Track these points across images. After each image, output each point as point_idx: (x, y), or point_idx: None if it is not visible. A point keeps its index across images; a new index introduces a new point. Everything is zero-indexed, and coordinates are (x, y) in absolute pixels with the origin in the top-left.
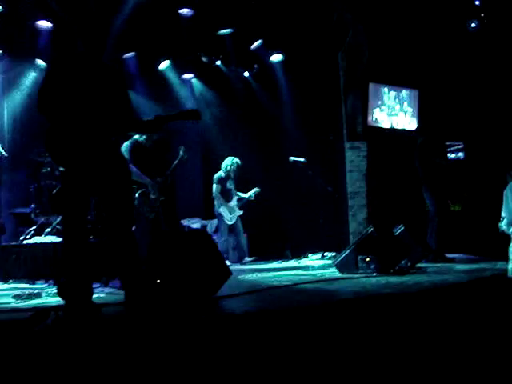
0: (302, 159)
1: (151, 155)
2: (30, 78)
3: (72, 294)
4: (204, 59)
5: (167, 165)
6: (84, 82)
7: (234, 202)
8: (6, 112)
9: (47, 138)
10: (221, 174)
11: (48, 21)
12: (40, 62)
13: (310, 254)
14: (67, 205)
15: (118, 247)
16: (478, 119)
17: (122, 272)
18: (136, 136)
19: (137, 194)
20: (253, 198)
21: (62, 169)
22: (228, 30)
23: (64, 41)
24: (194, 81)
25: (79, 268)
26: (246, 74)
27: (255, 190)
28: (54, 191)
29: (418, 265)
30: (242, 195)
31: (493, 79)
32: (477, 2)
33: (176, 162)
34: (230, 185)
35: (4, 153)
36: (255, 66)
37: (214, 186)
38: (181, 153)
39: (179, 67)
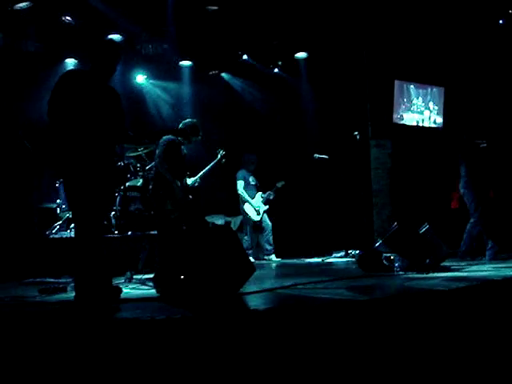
0: (326, 156)
1: (184, 156)
2: None
3: (82, 290)
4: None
5: (200, 167)
6: (89, 100)
7: (258, 198)
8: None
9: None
10: (242, 170)
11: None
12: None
13: (333, 252)
14: (75, 205)
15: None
16: (505, 117)
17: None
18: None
19: (161, 192)
20: (279, 187)
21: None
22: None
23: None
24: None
25: (90, 265)
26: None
27: (281, 182)
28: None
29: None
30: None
31: None
32: None
33: (212, 164)
34: (252, 180)
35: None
36: (279, 62)
37: (237, 182)
38: (219, 156)
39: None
